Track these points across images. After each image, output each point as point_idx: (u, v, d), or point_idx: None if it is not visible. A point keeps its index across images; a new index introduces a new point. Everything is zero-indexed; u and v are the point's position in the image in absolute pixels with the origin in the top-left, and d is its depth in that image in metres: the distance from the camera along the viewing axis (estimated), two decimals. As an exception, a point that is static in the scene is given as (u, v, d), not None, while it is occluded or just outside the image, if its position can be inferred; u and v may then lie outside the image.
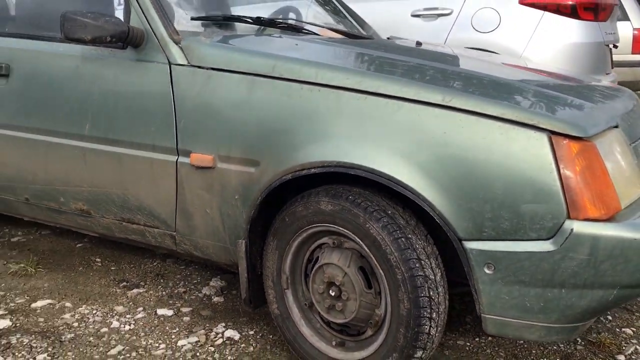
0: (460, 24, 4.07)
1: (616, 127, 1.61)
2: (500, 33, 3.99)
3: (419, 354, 1.61)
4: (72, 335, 2.06)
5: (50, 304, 2.29)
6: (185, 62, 1.84)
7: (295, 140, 1.66)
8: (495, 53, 3.65)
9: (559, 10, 3.97)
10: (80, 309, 2.24)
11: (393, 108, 1.56)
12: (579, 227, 1.40)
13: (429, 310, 1.57)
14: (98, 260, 2.70)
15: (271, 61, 1.73)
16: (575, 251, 1.41)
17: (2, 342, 2.01)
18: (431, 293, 1.57)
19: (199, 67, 1.82)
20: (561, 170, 1.41)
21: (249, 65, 1.75)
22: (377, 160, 1.55)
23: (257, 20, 2.10)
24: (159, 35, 1.88)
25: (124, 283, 2.45)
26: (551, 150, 1.42)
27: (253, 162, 1.74)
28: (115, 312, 2.22)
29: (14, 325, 2.13)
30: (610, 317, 2.23)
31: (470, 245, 1.50)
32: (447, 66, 1.97)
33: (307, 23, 2.27)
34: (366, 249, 1.62)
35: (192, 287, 2.42)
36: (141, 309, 2.24)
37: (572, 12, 3.96)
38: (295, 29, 2.22)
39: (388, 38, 2.87)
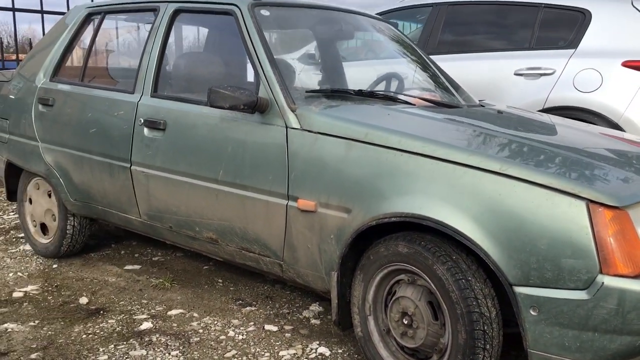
0: (562, 83, 4.28)
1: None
2: (601, 93, 4.16)
3: (473, 378, 1.92)
4: (198, 339, 2.55)
5: (181, 312, 2.81)
6: (299, 127, 2.30)
7: (380, 193, 2.06)
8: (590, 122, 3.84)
9: (661, 72, 4.09)
10: (204, 319, 2.74)
11: (459, 173, 1.92)
12: (609, 281, 1.68)
13: (482, 342, 1.89)
14: (220, 280, 3.21)
15: (364, 129, 2.15)
16: (606, 301, 1.69)
17: (145, 339, 2.54)
18: (485, 327, 1.89)
19: (309, 130, 2.28)
20: (596, 233, 1.70)
21: (347, 131, 2.19)
22: (444, 213, 1.91)
23: (359, 92, 2.54)
24: (280, 105, 2.36)
25: (240, 301, 2.93)
26: (588, 216, 1.72)
27: (346, 209, 2.15)
28: (231, 324, 2.69)
29: (154, 327, 2.66)
30: None
31: (519, 290, 1.81)
32: (519, 134, 2.29)
33: (401, 94, 2.67)
34: (433, 286, 1.97)
35: (295, 309, 2.85)
36: (252, 323, 2.70)
37: (675, 75, 4.08)
38: (391, 99, 2.63)
39: (480, 101, 3.20)
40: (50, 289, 3.11)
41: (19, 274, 3.32)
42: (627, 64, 4.15)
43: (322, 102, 2.42)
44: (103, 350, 2.45)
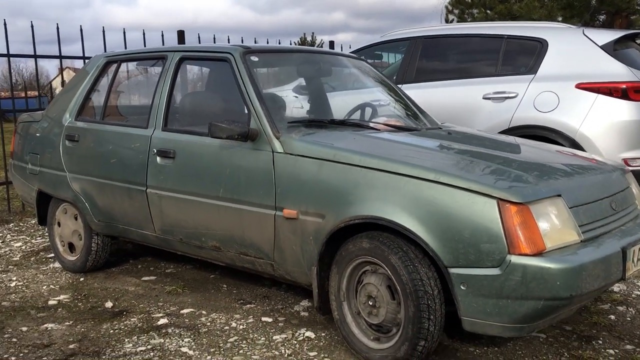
0: (524, 105, 4.83)
1: (559, 195, 2.40)
2: (559, 112, 4.71)
3: (421, 343, 2.44)
4: (206, 329, 3.08)
5: (192, 311, 3.34)
6: (282, 151, 2.86)
7: (347, 201, 2.60)
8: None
9: (611, 93, 4.63)
10: (211, 315, 3.27)
11: (404, 182, 2.46)
12: (514, 259, 2.21)
13: (427, 314, 2.41)
14: (224, 286, 3.74)
15: (333, 151, 2.70)
16: (513, 274, 2.21)
17: (162, 331, 3.07)
18: (429, 302, 2.41)
19: (290, 154, 2.83)
20: (504, 224, 2.24)
21: (320, 153, 2.74)
22: (394, 215, 2.45)
23: (332, 121, 3.10)
24: (267, 134, 2.92)
25: (241, 300, 3.46)
26: (498, 211, 2.25)
27: (321, 215, 2.69)
28: (234, 317, 3.22)
29: (169, 322, 3.19)
30: (600, 341, 2.90)
31: (452, 270, 2.34)
32: (459, 149, 2.83)
33: (368, 122, 3.23)
34: (390, 272, 2.50)
35: (288, 305, 3.38)
36: (251, 317, 3.22)
37: (623, 95, 4.61)
38: (360, 125, 3.18)
39: (442, 124, 3.76)
40: (79, 297, 3.65)
41: (51, 286, 3.86)
42: (580, 86, 4.71)
43: (302, 130, 2.97)
44: (128, 340, 2.98)
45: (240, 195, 2.98)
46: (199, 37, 7.16)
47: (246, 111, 3.05)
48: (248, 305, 3.39)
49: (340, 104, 3.81)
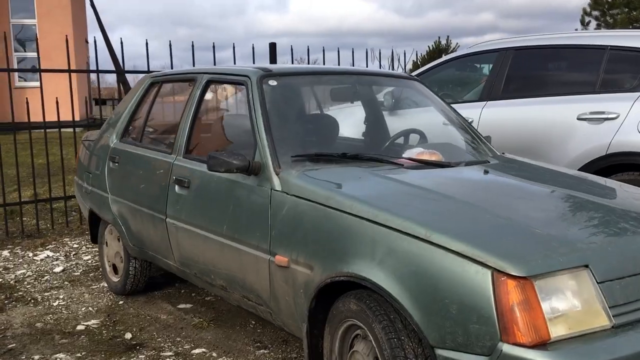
0: (626, 127, 4.12)
1: (585, 266, 1.87)
2: (668, 138, 3.96)
3: None
4: (204, 377, 2.84)
5: (203, 352, 3.12)
6: (280, 189, 2.54)
7: (333, 253, 2.24)
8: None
9: None
10: (221, 358, 3.03)
11: (394, 237, 2.05)
12: (507, 349, 1.74)
13: None
14: (253, 322, 3.49)
15: (327, 193, 2.34)
16: None
17: (160, 374, 2.87)
18: (414, 386, 1.98)
19: (287, 193, 2.51)
20: (498, 302, 1.77)
21: (313, 195, 2.39)
22: (379, 276, 2.04)
23: (343, 155, 2.71)
24: (268, 168, 2.62)
25: (258, 344, 3.19)
26: (492, 284, 1.79)
27: (310, 267, 2.34)
28: (241, 365, 2.96)
29: (173, 363, 3.00)
30: None
31: (439, 352, 1.90)
32: (475, 197, 2.33)
33: (387, 156, 2.78)
34: (374, 343, 2.10)
35: (302, 356, 3.05)
36: (259, 365, 2.94)
37: None
38: (378, 160, 2.75)
39: (501, 154, 3.24)
40: (108, 323, 3.57)
41: (90, 308, 3.83)
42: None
43: (305, 165, 2.63)
44: (123, 382, 2.82)
45: (241, 234, 2.71)
46: (338, 53, 6.95)
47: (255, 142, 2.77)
48: (262, 351, 3.11)
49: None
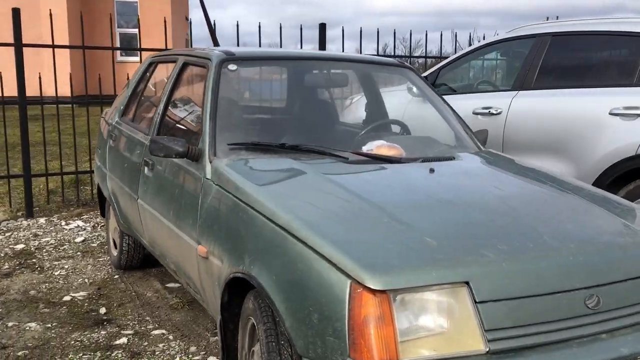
0: (661, 126, 3.71)
1: (465, 283, 1.67)
2: None
3: None
4: (156, 353, 2.85)
5: (162, 333, 3.14)
6: (209, 177, 2.47)
7: (236, 248, 2.15)
8: None
9: None
10: (173, 342, 3.03)
11: (282, 237, 1.92)
12: (354, 367, 1.59)
13: None
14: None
15: (239, 184, 2.24)
16: None
17: (107, 353, 2.91)
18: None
19: (213, 182, 2.43)
20: (351, 316, 1.62)
21: (229, 186, 2.30)
22: (264, 276, 1.93)
23: (281, 146, 2.58)
24: (204, 155, 2.55)
25: (215, 330, 3.16)
26: (348, 295, 1.64)
27: (221, 260, 2.26)
28: (189, 351, 2.94)
29: (127, 342, 3.03)
30: None
31: None
32: (392, 200, 2.12)
33: (328, 149, 2.58)
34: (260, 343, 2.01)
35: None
36: (204, 352, 2.91)
37: None
38: (321, 152, 2.57)
39: (483, 150, 2.98)
40: (94, 296, 3.67)
41: (86, 280, 3.96)
42: None
43: (240, 154, 2.53)
44: (70, 358, 2.88)
45: (180, 220, 2.67)
46: (441, 37, 6.83)
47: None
48: (216, 338, 3.08)
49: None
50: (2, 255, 4.42)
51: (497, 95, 4.65)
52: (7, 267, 4.17)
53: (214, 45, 6.22)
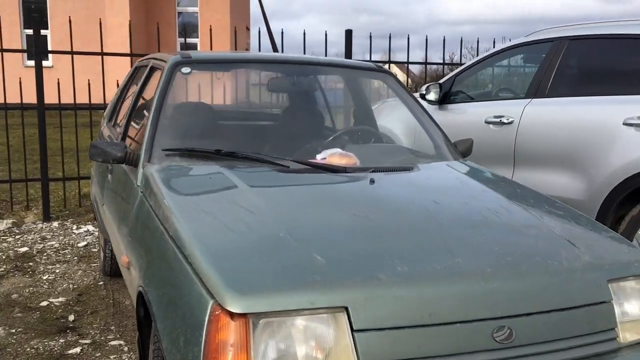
0: (679, 138, 3.35)
1: (343, 308, 1.47)
2: None
3: None
4: None
5: (120, 344, 3.04)
6: (140, 184, 2.35)
7: (139, 261, 2.02)
8: None
9: None
10: (127, 355, 2.93)
11: (171, 250, 1.77)
12: (204, 398, 1.42)
13: None
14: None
15: (156, 192, 2.11)
16: None
17: (55, 362, 2.84)
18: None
19: (139, 189, 2.31)
20: (207, 340, 1.45)
21: (146, 193, 2.17)
22: (152, 293, 1.79)
23: (217, 152, 2.41)
24: (139, 161, 2.43)
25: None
26: (208, 318, 1.47)
27: (135, 271, 2.13)
28: None
29: (79, 353, 2.95)
30: None
31: None
32: (299, 213, 1.94)
33: (266, 156, 2.39)
34: None
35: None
36: None
37: None
38: (258, 160, 2.37)
39: (461, 161, 2.74)
40: (71, 303, 3.63)
41: (70, 285, 3.93)
42: None
43: (174, 161, 2.39)
44: (18, 365, 2.83)
45: (119, 228, 2.56)
46: (494, 44, 6.66)
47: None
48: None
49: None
50: (3, 257, 4.47)
51: (510, 103, 4.36)
52: (2, 269, 4.20)
53: (274, 52, 6.17)
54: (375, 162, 2.53)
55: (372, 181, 2.26)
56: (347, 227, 1.84)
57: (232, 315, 1.43)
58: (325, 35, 6.00)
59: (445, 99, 4.82)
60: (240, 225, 1.82)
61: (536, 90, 4.20)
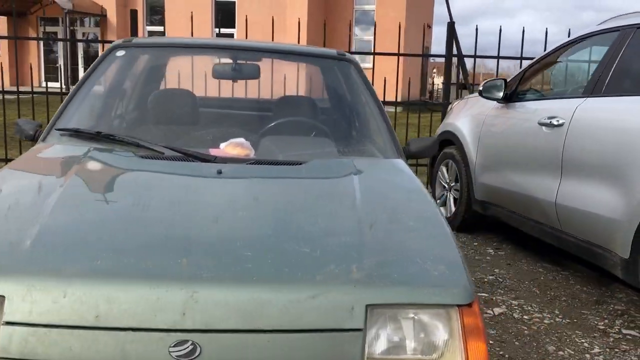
0: None
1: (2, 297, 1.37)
2: None
3: None
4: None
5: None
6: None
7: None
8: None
9: None
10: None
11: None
12: None
13: None
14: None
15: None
16: None
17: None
18: None
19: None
20: None
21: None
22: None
23: (98, 134, 2.29)
24: (39, 140, 2.44)
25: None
26: None
27: None
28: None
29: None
30: None
31: None
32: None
33: (146, 142, 2.25)
34: None
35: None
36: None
37: None
38: (137, 145, 2.24)
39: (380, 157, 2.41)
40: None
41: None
42: None
43: (62, 141, 2.34)
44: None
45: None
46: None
47: None
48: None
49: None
50: None
51: (564, 102, 3.74)
52: None
53: (457, 50, 6.05)
54: (271, 155, 2.33)
55: (219, 172, 2.08)
56: (113, 217, 1.71)
57: None
58: (546, 33, 5.70)
59: (512, 97, 4.29)
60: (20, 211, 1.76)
61: (593, 87, 3.56)
